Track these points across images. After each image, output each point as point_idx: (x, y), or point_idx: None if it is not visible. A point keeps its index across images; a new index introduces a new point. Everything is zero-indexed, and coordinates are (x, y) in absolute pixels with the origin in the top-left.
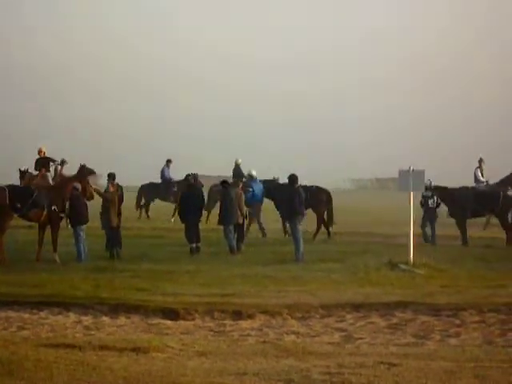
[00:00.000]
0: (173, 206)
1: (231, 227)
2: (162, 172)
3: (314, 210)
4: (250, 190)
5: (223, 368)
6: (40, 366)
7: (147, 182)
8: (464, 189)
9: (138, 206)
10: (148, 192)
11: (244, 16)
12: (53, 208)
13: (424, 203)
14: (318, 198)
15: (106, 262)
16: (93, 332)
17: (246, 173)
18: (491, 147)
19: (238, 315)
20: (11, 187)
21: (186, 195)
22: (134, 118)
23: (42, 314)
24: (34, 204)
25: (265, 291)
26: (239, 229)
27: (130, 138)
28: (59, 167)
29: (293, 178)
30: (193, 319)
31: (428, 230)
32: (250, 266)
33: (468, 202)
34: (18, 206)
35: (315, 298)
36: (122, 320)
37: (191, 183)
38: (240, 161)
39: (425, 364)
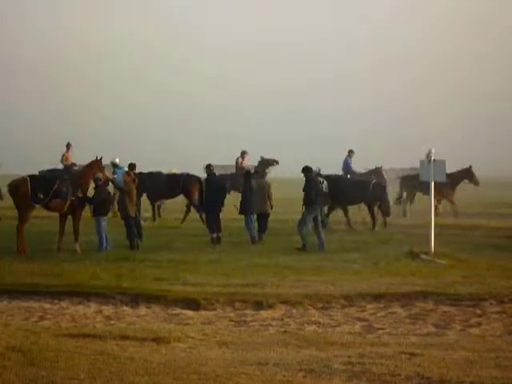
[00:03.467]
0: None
1: (252, 217)
2: None
3: (185, 196)
4: (116, 176)
5: (244, 358)
6: (61, 355)
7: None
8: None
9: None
10: None
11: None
12: (74, 198)
13: None
14: (190, 185)
15: (127, 252)
16: (113, 322)
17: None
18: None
19: (258, 305)
20: (33, 177)
21: (207, 185)
22: (134, 110)
23: (63, 303)
24: (56, 194)
25: (286, 281)
26: (263, 219)
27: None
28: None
29: (306, 169)
30: (214, 309)
31: None
32: (271, 255)
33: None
34: (40, 196)
35: (336, 287)
36: (142, 310)
37: (211, 173)
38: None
39: (446, 354)
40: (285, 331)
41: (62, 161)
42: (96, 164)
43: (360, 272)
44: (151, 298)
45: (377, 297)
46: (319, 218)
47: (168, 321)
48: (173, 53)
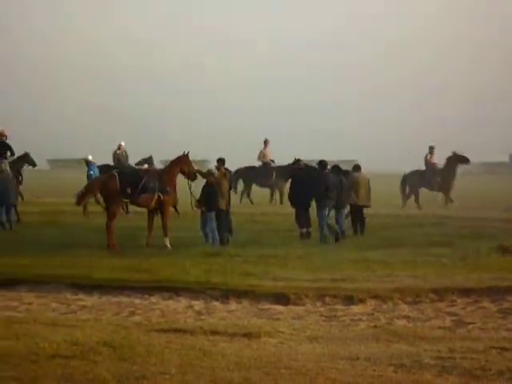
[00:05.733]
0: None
1: (343, 211)
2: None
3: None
4: (91, 173)
5: (334, 353)
6: (152, 350)
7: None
8: None
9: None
10: (247, 176)
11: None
12: (162, 193)
13: None
14: None
15: (217, 248)
16: (204, 317)
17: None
18: None
19: (349, 300)
20: (121, 172)
21: (297, 179)
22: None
23: (153, 298)
24: (144, 189)
25: (375, 276)
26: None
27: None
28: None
29: (323, 164)
30: (303, 304)
31: None
32: (361, 250)
33: None
34: (128, 191)
35: (425, 282)
36: (233, 305)
37: (301, 167)
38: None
39: None
40: (375, 326)
41: (259, 157)
42: (183, 159)
43: (449, 266)
44: (241, 293)
45: (466, 291)
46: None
47: (258, 316)
48: (173, 52)
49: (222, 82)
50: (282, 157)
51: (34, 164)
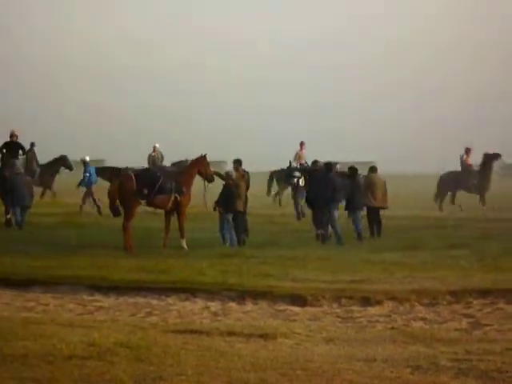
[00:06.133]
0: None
1: (359, 213)
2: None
3: None
4: (87, 174)
5: (351, 354)
6: (168, 351)
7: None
8: None
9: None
10: (281, 178)
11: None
12: (179, 194)
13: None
14: None
15: (234, 248)
16: (220, 318)
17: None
18: None
19: (365, 301)
20: (138, 173)
21: (314, 180)
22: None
23: (170, 299)
24: (161, 190)
25: (392, 277)
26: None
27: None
28: None
29: (329, 166)
30: (320, 305)
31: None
32: (378, 252)
33: None
34: (145, 192)
35: (443, 284)
36: (249, 306)
37: (318, 168)
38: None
39: None
40: (392, 327)
41: (294, 159)
42: (201, 161)
43: (466, 268)
44: (258, 294)
45: (483, 293)
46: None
47: (274, 317)
48: (173, 52)
49: (222, 82)
50: (281, 157)
51: (71, 168)
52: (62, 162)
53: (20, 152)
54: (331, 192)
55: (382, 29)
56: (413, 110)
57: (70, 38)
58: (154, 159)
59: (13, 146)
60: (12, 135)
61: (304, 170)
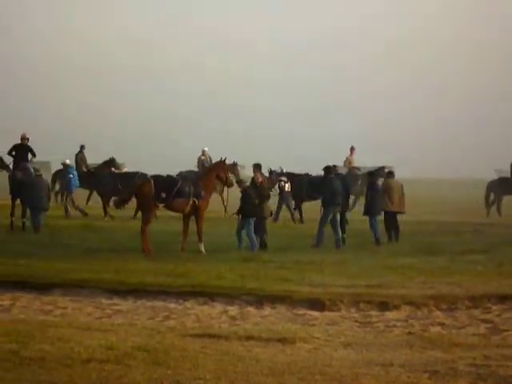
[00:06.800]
0: None
1: (377, 217)
2: None
3: None
4: (71, 176)
5: (369, 359)
6: (186, 355)
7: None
8: (301, 176)
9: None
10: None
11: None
12: (197, 198)
13: (280, 187)
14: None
15: (252, 253)
16: (238, 322)
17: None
18: None
19: (383, 306)
20: (156, 178)
21: (327, 184)
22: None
23: (188, 303)
24: (179, 194)
25: (410, 282)
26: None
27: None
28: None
29: (328, 169)
30: (338, 310)
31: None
32: (396, 256)
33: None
34: (163, 196)
35: (461, 289)
36: (267, 310)
37: (330, 173)
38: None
39: None
40: (409, 332)
41: (344, 164)
42: (220, 165)
43: (484, 273)
44: (276, 299)
45: (502, 298)
46: (337, 216)
47: (293, 321)
48: (173, 52)
49: (222, 82)
50: (282, 157)
51: (119, 169)
52: (111, 163)
53: (29, 155)
54: (329, 195)
55: (382, 29)
56: (413, 109)
57: (70, 38)
58: (204, 162)
59: (22, 148)
60: (23, 138)
61: (289, 175)
